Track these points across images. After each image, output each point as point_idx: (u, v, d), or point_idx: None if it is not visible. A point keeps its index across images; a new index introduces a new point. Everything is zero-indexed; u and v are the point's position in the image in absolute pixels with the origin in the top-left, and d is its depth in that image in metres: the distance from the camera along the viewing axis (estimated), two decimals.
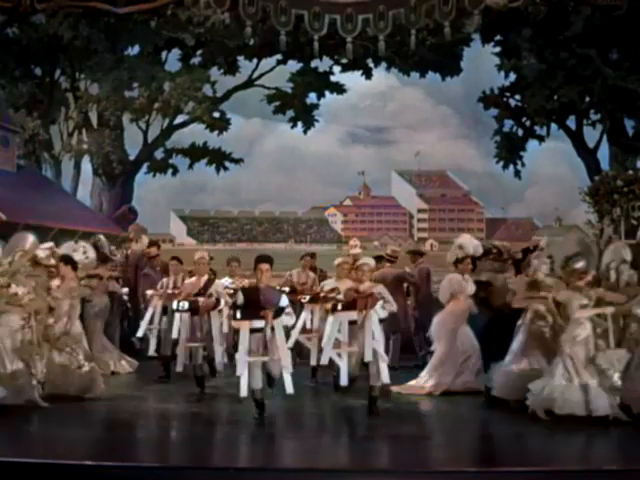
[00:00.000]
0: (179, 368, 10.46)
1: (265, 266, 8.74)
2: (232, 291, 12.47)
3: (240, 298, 8.68)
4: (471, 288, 10.75)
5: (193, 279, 10.83)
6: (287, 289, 12.19)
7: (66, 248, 11.00)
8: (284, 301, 8.75)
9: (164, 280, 12.08)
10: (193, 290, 10.57)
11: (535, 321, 9.42)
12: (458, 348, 10.51)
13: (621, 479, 7.04)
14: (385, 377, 9.11)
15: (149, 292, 12.01)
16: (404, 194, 32.61)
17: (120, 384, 11.31)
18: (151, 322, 12.04)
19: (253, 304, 8.60)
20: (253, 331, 8.56)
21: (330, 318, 9.49)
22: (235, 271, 13.50)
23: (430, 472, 7.09)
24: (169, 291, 11.64)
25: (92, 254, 11.36)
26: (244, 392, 8.52)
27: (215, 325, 10.38)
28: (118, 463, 7.07)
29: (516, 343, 9.63)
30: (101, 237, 13.11)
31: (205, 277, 10.76)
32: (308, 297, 11.51)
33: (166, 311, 11.42)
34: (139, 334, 11.76)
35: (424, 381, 10.59)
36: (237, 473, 7.09)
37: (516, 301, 9.56)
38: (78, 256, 10.92)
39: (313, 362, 10.98)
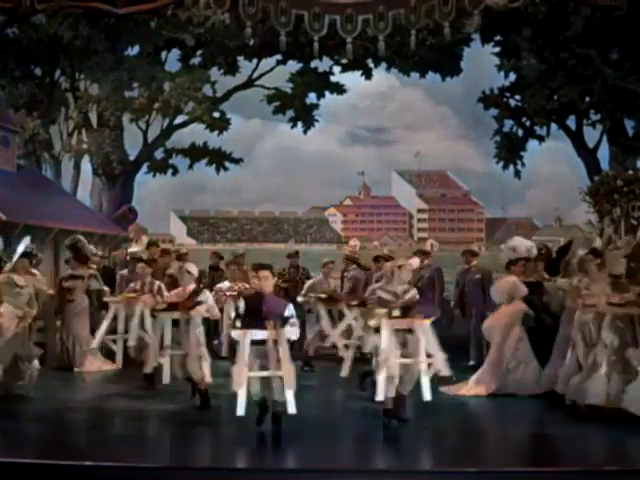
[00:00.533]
0: (166, 379, 9.75)
1: (264, 273, 8.22)
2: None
3: (242, 306, 8.21)
4: (524, 290, 10.66)
5: (179, 289, 10.02)
6: (323, 295, 11.99)
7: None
8: (289, 311, 8.14)
9: (131, 285, 11.88)
10: (179, 300, 9.77)
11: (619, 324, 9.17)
12: (511, 350, 10.40)
13: (621, 479, 7.04)
14: (427, 394, 8.50)
15: (106, 299, 11.75)
16: (404, 194, 32.59)
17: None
18: (115, 331, 11.80)
19: (255, 313, 8.03)
20: (254, 343, 7.92)
21: (384, 326, 8.47)
22: (235, 275, 13.17)
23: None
24: (131, 295, 11.32)
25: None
26: (241, 410, 7.94)
27: (194, 333, 9.53)
28: (117, 463, 7.08)
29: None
30: (81, 237, 13.10)
31: (191, 286, 9.92)
32: (356, 301, 11.10)
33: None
34: (94, 345, 11.29)
35: (474, 382, 10.50)
36: (234, 474, 7.10)
37: (603, 307, 9.24)
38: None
39: (344, 373, 10.65)
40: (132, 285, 11.66)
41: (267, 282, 8.26)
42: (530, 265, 11.17)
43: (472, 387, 10.42)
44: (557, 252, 11.85)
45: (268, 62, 25.57)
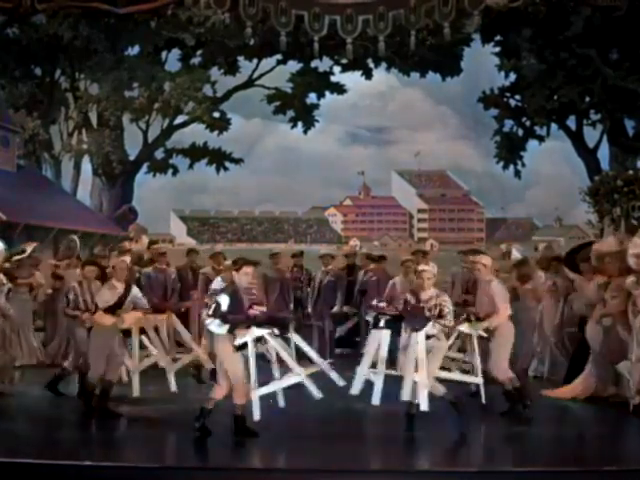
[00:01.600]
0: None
1: (247, 269, 8.03)
2: None
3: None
4: None
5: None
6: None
7: None
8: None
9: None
10: (112, 299, 9.02)
11: None
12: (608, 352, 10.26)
13: (621, 479, 7.03)
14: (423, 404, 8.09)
15: None
16: (404, 194, 32.59)
17: None
18: None
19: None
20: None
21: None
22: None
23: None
24: None
25: None
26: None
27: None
28: (117, 463, 7.08)
29: None
30: (74, 237, 13.07)
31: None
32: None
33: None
34: None
35: (574, 384, 10.38)
36: (234, 474, 7.10)
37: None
38: None
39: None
40: None
41: (247, 278, 8.12)
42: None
43: (570, 389, 10.28)
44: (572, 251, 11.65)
45: (268, 62, 25.62)
